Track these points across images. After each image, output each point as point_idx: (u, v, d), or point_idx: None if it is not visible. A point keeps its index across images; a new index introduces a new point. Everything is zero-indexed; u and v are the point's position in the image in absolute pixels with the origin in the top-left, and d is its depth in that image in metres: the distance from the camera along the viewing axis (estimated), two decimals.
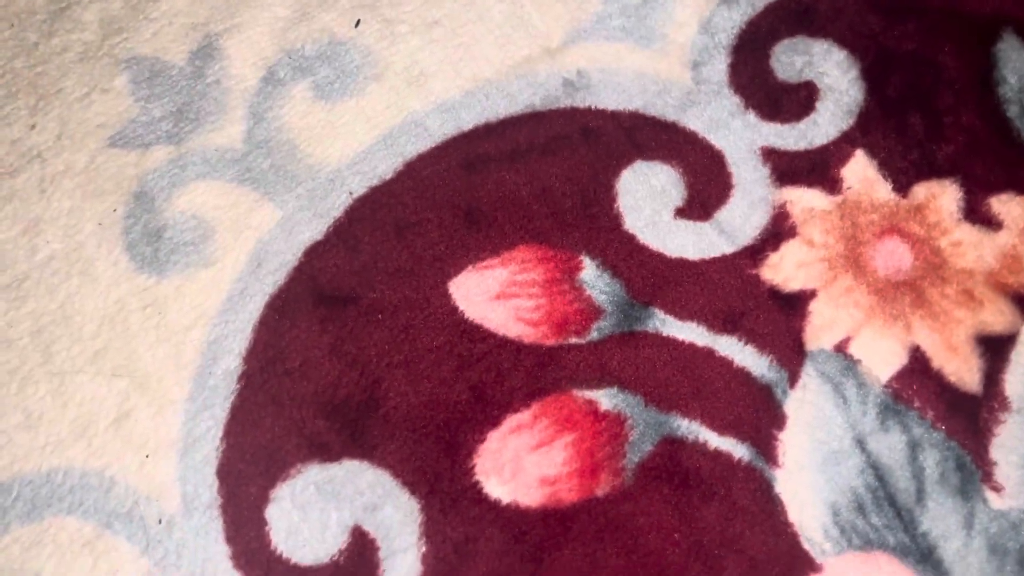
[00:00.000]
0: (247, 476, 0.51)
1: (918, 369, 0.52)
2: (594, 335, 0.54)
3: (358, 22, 0.63)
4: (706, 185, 0.57)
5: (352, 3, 0.64)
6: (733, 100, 0.60)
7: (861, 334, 0.53)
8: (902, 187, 0.57)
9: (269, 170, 0.59)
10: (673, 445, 0.51)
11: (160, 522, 0.50)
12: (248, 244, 0.57)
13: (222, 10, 0.64)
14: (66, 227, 0.57)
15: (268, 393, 0.53)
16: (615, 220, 0.57)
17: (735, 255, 0.56)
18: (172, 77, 0.62)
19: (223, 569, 0.49)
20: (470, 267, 0.56)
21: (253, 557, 0.49)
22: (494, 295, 0.55)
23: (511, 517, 0.50)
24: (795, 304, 0.54)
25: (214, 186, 0.58)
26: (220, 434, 0.52)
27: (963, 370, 0.52)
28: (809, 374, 0.52)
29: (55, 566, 0.49)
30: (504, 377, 0.53)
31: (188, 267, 0.56)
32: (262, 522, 0.50)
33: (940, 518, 0.49)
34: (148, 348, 0.54)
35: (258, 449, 0.52)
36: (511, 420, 0.52)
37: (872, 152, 0.58)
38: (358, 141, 0.59)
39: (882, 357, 0.53)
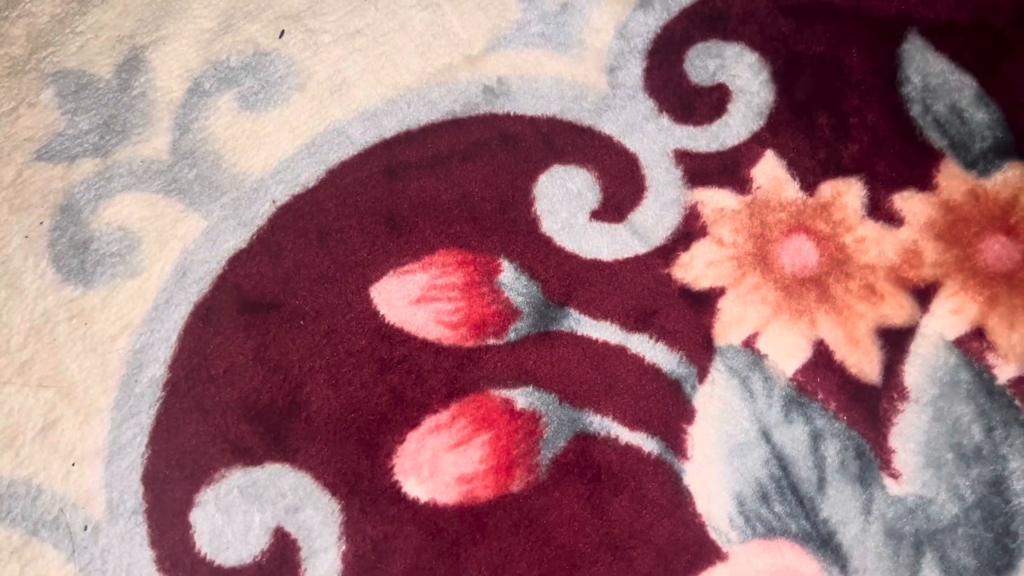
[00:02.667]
0: (172, 481, 0.52)
1: (822, 362, 0.54)
2: (511, 336, 0.56)
3: (282, 33, 0.64)
4: (620, 188, 0.59)
5: (276, 14, 0.65)
6: (647, 104, 0.62)
7: (768, 329, 0.55)
8: (809, 186, 0.59)
9: (195, 180, 0.60)
10: (586, 441, 0.53)
11: (86, 528, 0.51)
12: (173, 254, 0.58)
13: (148, 23, 0.65)
14: None
15: (193, 400, 0.54)
16: (533, 223, 0.59)
17: (648, 255, 0.57)
18: (98, 90, 0.63)
19: (148, 573, 0.50)
20: (391, 272, 0.57)
21: (178, 560, 0.51)
22: (415, 299, 0.57)
23: (429, 515, 0.51)
24: (705, 302, 0.56)
25: (140, 197, 0.59)
26: (146, 441, 0.53)
27: (864, 362, 0.54)
28: (718, 369, 0.54)
29: None
30: (423, 379, 0.54)
31: (114, 278, 0.57)
32: (186, 526, 0.51)
33: (840, 505, 0.51)
34: (75, 358, 0.55)
35: (183, 455, 0.53)
36: (430, 421, 0.53)
37: (781, 152, 0.60)
38: (282, 150, 0.61)
39: (788, 351, 0.55)
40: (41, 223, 0.59)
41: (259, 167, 0.60)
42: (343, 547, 0.51)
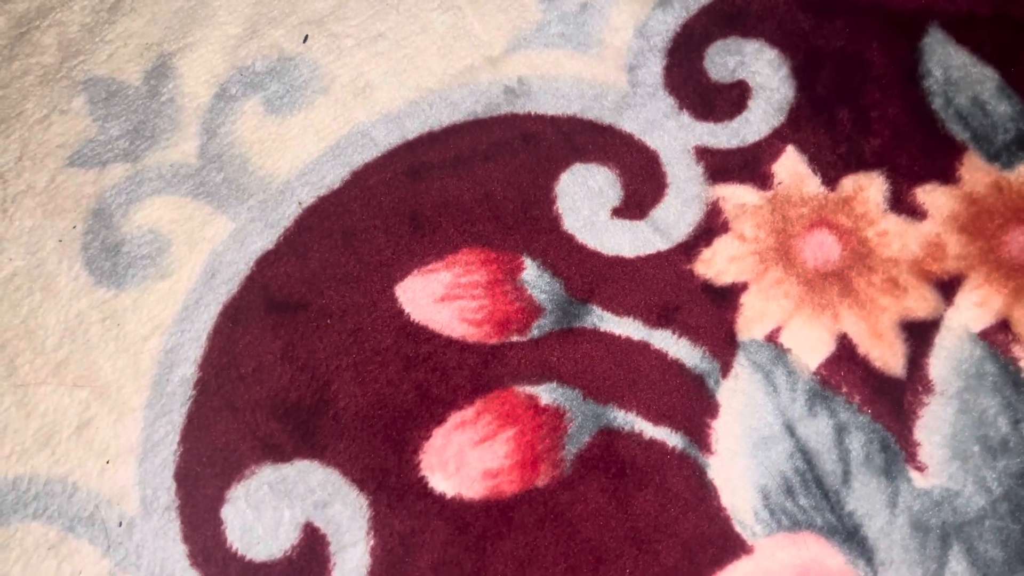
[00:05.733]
0: (203, 478, 0.53)
1: (845, 356, 0.54)
2: (535, 333, 0.56)
3: (306, 37, 0.65)
4: (642, 185, 0.60)
5: (300, 19, 0.66)
6: (668, 101, 0.62)
7: (791, 324, 0.55)
8: (831, 180, 0.59)
9: (222, 184, 0.61)
10: (610, 436, 0.53)
11: (120, 524, 0.52)
12: (202, 256, 0.59)
13: (175, 30, 0.66)
14: (28, 245, 0.60)
15: (223, 398, 0.55)
16: (554, 221, 0.59)
17: (670, 252, 0.58)
18: (128, 97, 0.64)
19: (181, 568, 0.51)
20: (415, 271, 0.58)
21: (210, 555, 0.52)
22: (439, 297, 0.57)
23: (455, 509, 0.52)
24: (727, 297, 0.56)
25: (169, 201, 0.61)
26: (177, 439, 0.54)
27: (888, 355, 0.54)
28: (741, 364, 0.55)
29: (21, 569, 0.52)
30: (448, 376, 0.55)
31: (145, 279, 0.58)
32: (218, 522, 0.52)
33: (865, 498, 0.51)
34: (108, 358, 0.56)
35: (214, 452, 0.54)
36: (455, 417, 0.54)
37: (802, 147, 0.60)
38: (307, 153, 0.62)
39: (811, 345, 0.55)
40: (74, 227, 0.60)
41: (285, 170, 0.61)
42: (371, 542, 0.51)
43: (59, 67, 0.65)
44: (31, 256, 0.59)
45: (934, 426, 0.52)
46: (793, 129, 0.61)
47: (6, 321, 0.58)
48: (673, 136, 0.61)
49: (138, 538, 0.52)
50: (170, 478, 0.53)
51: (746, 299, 0.56)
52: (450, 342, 0.56)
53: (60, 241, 0.60)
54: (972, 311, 0.55)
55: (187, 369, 0.56)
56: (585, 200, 0.59)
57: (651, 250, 0.58)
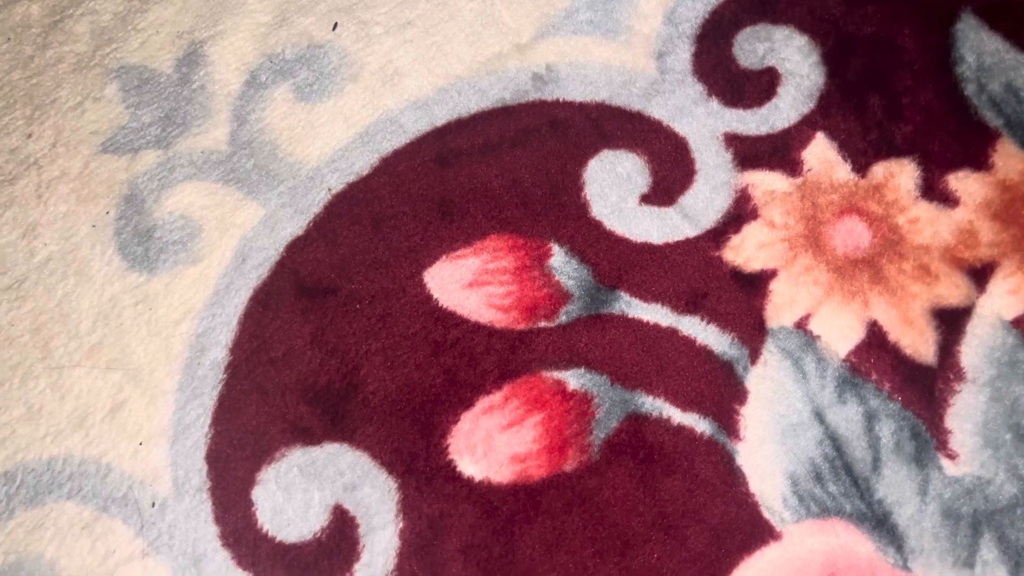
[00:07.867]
0: (234, 460, 0.54)
1: (875, 343, 0.54)
2: (563, 319, 0.56)
3: (335, 25, 0.66)
4: (670, 171, 0.59)
5: (329, 7, 0.66)
6: (696, 88, 0.62)
7: (820, 311, 0.55)
8: (861, 167, 0.59)
9: (252, 170, 0.61)
10: (638, 421, 0.53)
11: (153, 505, 0.53)
12: (233, 241, 0.59)
13: (206, 18, 0.67)
14: (62, 230, 0.61)
15: (253, 382, 0.56)
16: (583, 208, 0.59)
17: (698, 238, 0.58)
18: (160, 84, 0.65)
19: (212, 548, 0.52)
20: (444, 257, 0.58)
21: (241, 536, 0.52)
22: (467, 283, 0.58)
23: (483, 493, 0.52)
24: (756, 284, 0.56)
25: (200, 187, 0.61)
26: (208, 421, 0.55)
27: (919, 342, 0.54)
28: (770, 351, 0.54)
29: (57, 547, 0.52)
30: (477, 361, 0.55)
31: (177, 264, 0.59)
32: (249, 503, 0.53)
33: (895, 485, 0.51)
34: (140, 342, 0.57)
35: (244, 434, 0.55)
36: (483, 401, 0.54)
37: (832, 134, 0.60)
38: (336, 139, 0.62)
39: (841, 332, 0.54)
40: (107, 213, 0.61)
41: (315, 156, 0.62)
42: (400, 524, 0.52)
43: (92, 55, 0.66)
44: (65, 241, 0.60)
45: (965, 414, 0.52)
46: (823, 115, 0.60)
47: (41, 305, 0.59)
48: (702, 123, 0.61)
49: (170, 518, 0.53)
50: (202, 460, 0.54)
51: (775, 286, 0.56)
52: (478, 327, 0.56)
53: (93, 226, 0.61)
54: (1005, 299, 0.54)
55: (218, 353, 0.57)
56: (613, 186, 0.59)
57: (679, 236, 0.58)
